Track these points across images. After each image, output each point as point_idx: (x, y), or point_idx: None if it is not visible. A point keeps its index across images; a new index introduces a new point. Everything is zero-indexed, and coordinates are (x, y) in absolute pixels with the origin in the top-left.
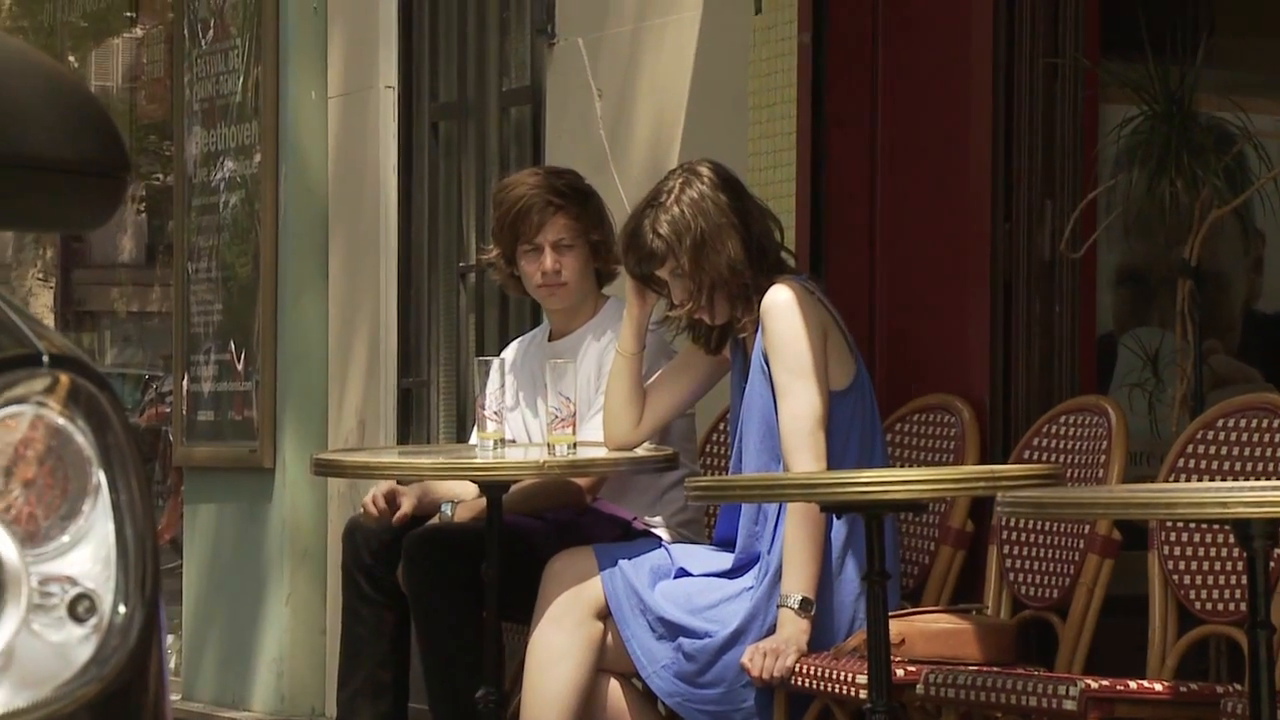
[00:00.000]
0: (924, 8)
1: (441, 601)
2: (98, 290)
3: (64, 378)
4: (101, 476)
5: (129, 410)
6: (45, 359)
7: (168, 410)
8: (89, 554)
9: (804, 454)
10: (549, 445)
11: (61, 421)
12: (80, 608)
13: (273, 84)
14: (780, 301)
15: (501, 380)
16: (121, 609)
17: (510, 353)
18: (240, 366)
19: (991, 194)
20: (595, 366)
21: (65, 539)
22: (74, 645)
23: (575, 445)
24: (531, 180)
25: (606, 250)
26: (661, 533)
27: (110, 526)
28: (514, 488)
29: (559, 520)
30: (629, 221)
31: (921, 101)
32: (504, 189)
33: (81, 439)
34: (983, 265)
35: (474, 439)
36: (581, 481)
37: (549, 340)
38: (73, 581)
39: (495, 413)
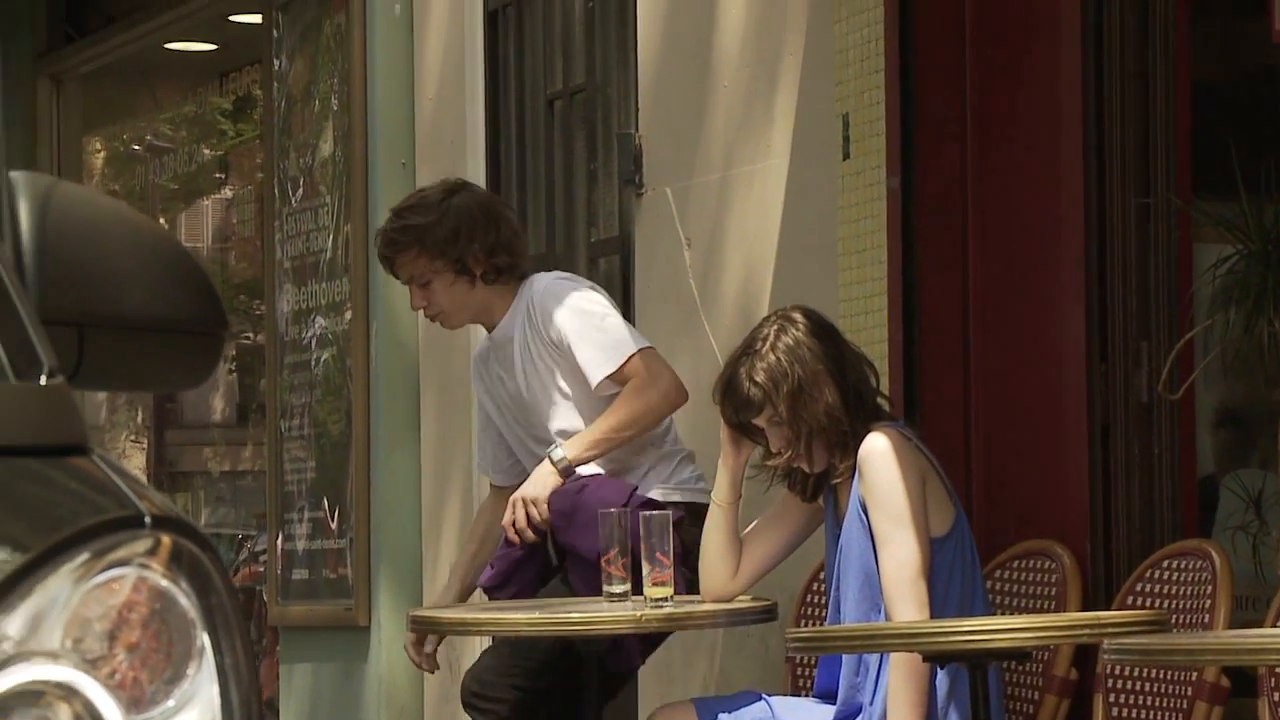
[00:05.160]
0: (1013, 150)
1: None
2: (190, 450)
3: (166, 539)
4: (206, 639)
5: None
6: (147, 520)
7: (261, 569)
8: (194, 718)
9: (907, 604)
10: (646, 598)
11: (165, 583)
12: None
13: (363, 240)
14: (878, 449)
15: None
16: None
17: (477, 353)
18: (334, 524)
19: (1087, 336)
20: (519, 350)
21: (170, 703)
22: None
23: (672, 598)
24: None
25: (475, 257)
26: (677, 495)
27: (215, 689)
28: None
29: (561, 509)
30: (724, 370)
31: (1013, 244)
32: None
33: (185, 601)
34: (1080, 408)
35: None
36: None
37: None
38: None
39: (621, 566)
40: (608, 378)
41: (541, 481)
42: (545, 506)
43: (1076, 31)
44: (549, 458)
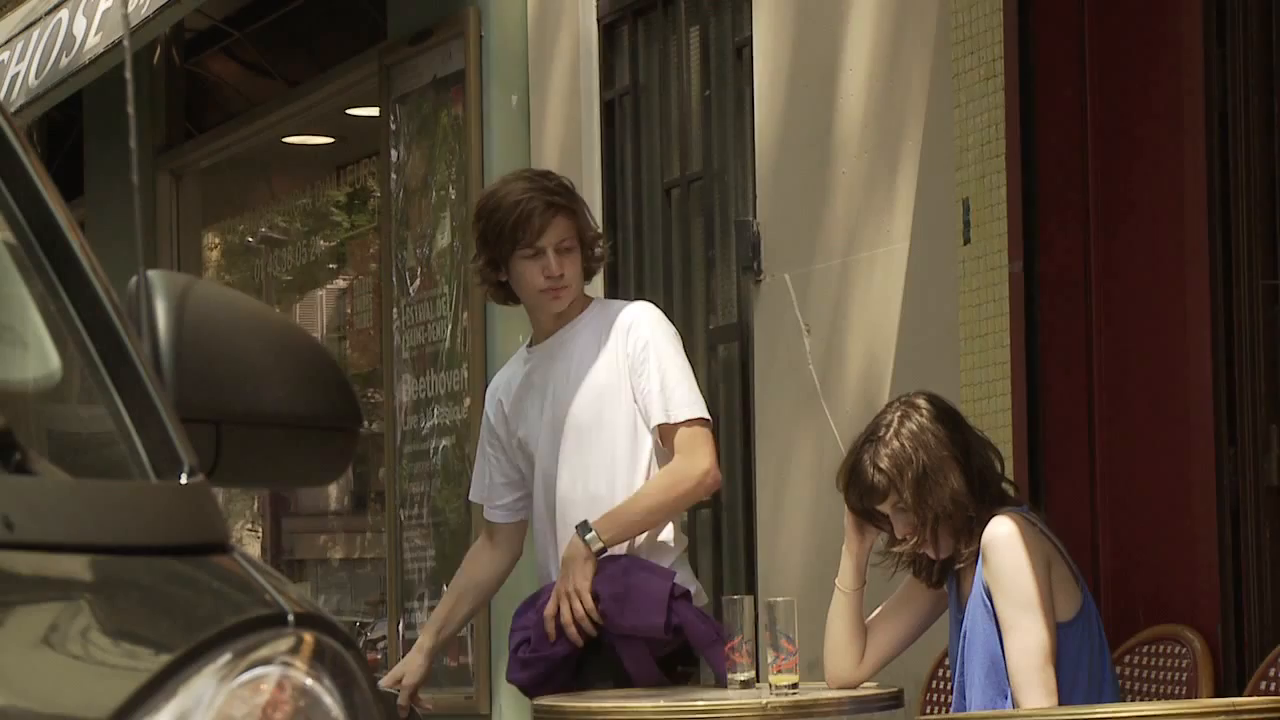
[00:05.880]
0: (1137, 233)
1: None
2: (306, 538)
3: (309, 637)
4: None
5: None
6: (290, 618)
7: (379, 657)
8: None
9: (1035, 690)
10: (770, 685)
11: (309, 682)
12: None
13: (480, 329)
14: (1002, 534)
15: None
16: None
17: (501, 378)
18: None
19: (1215, 420)
20: (584, 360)
21: None
22: None
23: (797, 684)
24: (524, 185)
25: (593, 243)
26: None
27: None
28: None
29: (614, 593)
30: (848, 457)
31: (1138, 328)
32: (495, 195)
33: (329, 699)
34: (1208, 492)
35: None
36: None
37: (529, 347)
38: None
39: (745, 653)
40: (660, 425)
41: (581, 570)
42: (589, 597)
43: (1200, 112)
44: (581, 540)
